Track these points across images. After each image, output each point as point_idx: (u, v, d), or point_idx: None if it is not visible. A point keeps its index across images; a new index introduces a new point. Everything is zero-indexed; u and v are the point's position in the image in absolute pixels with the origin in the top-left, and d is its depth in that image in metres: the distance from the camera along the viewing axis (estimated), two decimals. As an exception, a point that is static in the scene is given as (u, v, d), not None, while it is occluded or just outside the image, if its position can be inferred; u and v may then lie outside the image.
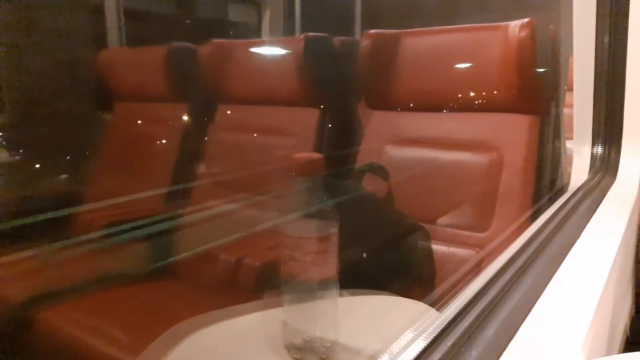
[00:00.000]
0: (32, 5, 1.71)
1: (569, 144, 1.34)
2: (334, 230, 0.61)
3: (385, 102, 1.39)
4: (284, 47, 1.59)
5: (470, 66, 1.25)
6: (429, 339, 0.47)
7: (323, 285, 0.60)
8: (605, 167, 1.31)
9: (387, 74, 1.36)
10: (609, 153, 1.32)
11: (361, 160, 1.38)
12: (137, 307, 1.24)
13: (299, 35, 1.49)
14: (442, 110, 1.30)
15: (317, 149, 1.41)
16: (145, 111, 1.82)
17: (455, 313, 0.52)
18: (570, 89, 1.35)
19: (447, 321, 0.50)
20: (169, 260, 1.52)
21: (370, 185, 1.31)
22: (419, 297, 0.74)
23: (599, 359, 0.52)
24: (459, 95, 1.27)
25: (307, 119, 1.45)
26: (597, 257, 0.76)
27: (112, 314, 1.20)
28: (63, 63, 1.76)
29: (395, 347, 0.48)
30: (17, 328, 1.22)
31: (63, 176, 1.73)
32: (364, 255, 0.99)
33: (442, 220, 1.22)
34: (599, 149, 1.34)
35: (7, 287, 1.31)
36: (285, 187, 0.62)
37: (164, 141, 1.70)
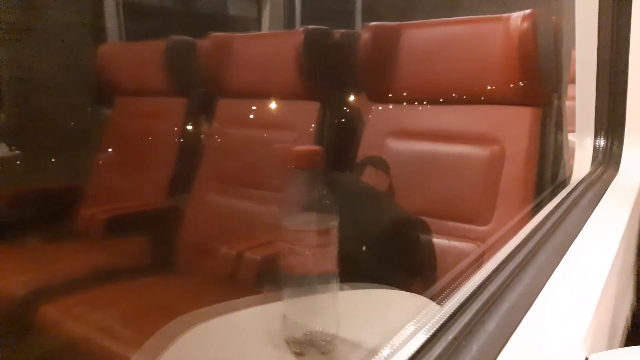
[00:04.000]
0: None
1: (571, 136, 1.34)
2: (334, 223, 0.60)
3: (387, 95, 1.38)
4: (284, 40, 1.58)
5: (472, 58, 1.24)
6: (430, 333, 0.47)
7: (323, 279, 0.60)
8: (608, 160, 1.30)
9: (388, 66, 1.35)
10: (612, 145, 1.31)
11: (362, 154, 1.37)
12: (137, 301, 1.24)
13: (299, 29, 1.48)
14: (443, 103, 1.29)
15: (318, 142, 1.41)
16: (144, 105, 1.81)
17: (456, 307, 0.52)
18: (573, 81, 1.34)
19: (447, 315, 0.50)
20: (169, 253, 1.53)
21: (371, 178, 1.31)
22: (420, 290, 0.73)
23: (601, 353, 0.52)
24: (461, 88, 1.26)
25: (308, 112, 1.44)
26: (599, 250, 0.75)
27: (112, 308, 1.20)
28: (61, 57, 1.75)
29: (396, 340, 0.48)
30: (17, 323, 1.22)
31: (63, 170, 1.73)
32: (365, 248, 0.99)
33: (443, 214, 1.21)
34: (602, 142, 1.33)
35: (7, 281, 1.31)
36: (285, 180, 0.62)
37: (163, 135, 1.70)
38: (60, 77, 1.77)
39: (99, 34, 2.01)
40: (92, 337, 1.09)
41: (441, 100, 1.29)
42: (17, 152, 1.67)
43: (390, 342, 0.48)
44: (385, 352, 0.47)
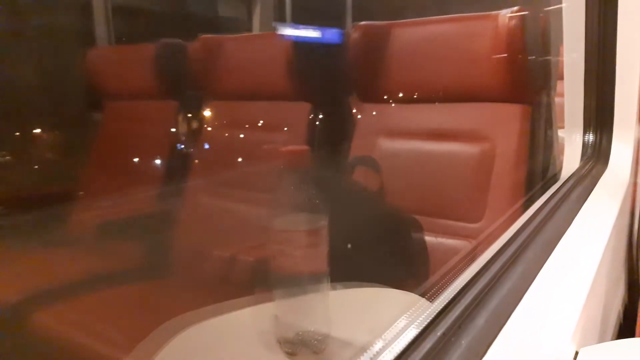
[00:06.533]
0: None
1: (560, 132, 1.34)
2: (324, 223, 0.60)
3: (377, 95, 1.38)
4: (274, 41, 1.58)
5: (461, 56, 1.25)
6: (420, 329, 0.47)
7: (314, 279, 0.60)
8: (597, 155, 1.31)
9: (378, 66, 1.35)
10: (600, 141, 1.32)
11: (353, 153, 1.37)
12: (130, 304, 1.24)
13: (289, 29, 1.49)
14: (434, 102, 1.30)
15: (309, 142, 1.41)
16: (134, 109, 1.80)
17: (445, 303, 0.52)
18: (561, 78, 1.35)
19: (437, 311, 0.50)
20: (162, 257, 1.52)
21: (362, 178, 1.31)
22: (412, 288, 0.73)
23: (591, 346, 0.52)
24: (451, 86, 1.26)
25: (299, 113, 1.44)
26: (589, 244, 0.76)
27: (105, 312, 1.19)
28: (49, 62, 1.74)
29: (387, 335, 0.48)
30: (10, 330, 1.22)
31: (54, 175, 1.72)
32: (357, 247, 0.99)
33: (435, 212, 1.22)
34: (590, 137, 1.34)
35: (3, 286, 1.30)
36: (275, 181, 0.62)
37: (154, 138, 1.69)
38: (50, 82, 1.76)
39: (87, 37, 2.00)
40: (85, 340, 1.09)
41: (431, 98, 1.30)
42: (7, 157, 1.66)
43: (382, 337, 0.48)
44: (377, 347, 0.47)
